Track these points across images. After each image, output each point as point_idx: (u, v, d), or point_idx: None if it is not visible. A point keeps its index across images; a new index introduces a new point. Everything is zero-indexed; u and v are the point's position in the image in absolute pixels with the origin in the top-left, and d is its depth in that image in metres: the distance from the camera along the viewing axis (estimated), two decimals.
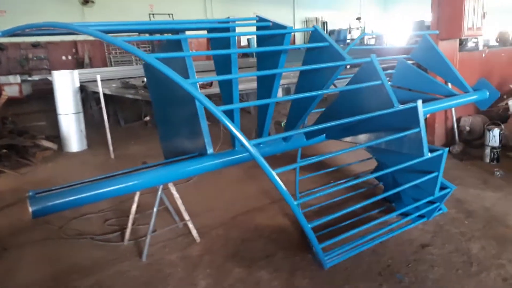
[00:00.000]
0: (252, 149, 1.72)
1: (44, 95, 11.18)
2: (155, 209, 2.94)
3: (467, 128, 5.43)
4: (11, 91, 13.25)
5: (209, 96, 6.95)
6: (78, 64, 15.74)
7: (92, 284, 2.70)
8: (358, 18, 23.14)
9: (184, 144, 2.51)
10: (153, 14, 17.90)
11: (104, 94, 6.07)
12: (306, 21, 24.48)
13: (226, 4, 19.65)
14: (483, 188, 4.00)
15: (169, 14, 18.25)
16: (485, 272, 2.62)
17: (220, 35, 2.32)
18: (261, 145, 2.54)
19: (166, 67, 1.59)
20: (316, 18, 24.31)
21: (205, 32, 2.43)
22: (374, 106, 2.25)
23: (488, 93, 3.88)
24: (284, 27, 2.22)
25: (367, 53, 9.69)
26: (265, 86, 2.37)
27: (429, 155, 2.25)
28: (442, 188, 2.66)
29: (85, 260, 3.01)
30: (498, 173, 4.34)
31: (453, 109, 5.36)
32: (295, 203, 1.88)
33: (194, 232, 3.19)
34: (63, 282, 2.74)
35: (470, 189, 4.00)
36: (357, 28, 23.27)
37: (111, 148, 5.96)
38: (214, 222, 3.52)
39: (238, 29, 2.51)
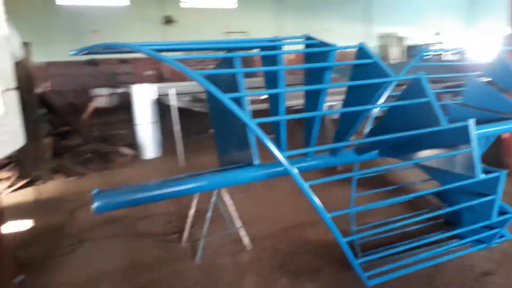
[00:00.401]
0: (284, 160, 1.81)
1: (128, 106, 12.19)
2: (208, 215, 3.13)
3: None
4: (101, 102, 14.68)
5: (267, 110, 7.11)
6: (159, 78, 16.92)
7: (150, 279, 2.94)
8: (437, 33, 22.12)
9: (235, 155, 2.67)
10: (227, 32, 18.68)
11: (179, 107, 6.52)
12: (382, 36, 23.97)
13: (298, 20, 19.93)
14: None
15: (243, 32, 18.92)
16: None
17: (266, 53, 2.46)
18: (308, 159, 2.61)
19: (207, 82, 1.74)
20: (392, 33, 23.70)
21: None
22: (422, 124, 2.21)
23: None
24: (328, 45, 2.29)
25: (440, 69, 9.22)
26: (312, 101, 2.45)
27: (483, 176, 2.15)
28: (503, 213, 2.51)
29: (147, 257, 3.28)
30: None
31: None
32: (328, 215, 1.92)
33: (245, 240, 3.32)
34: (129, 276, 3.01)
35: None
36: (437, 43, 22.26)
37: (181, 157, 6.36)
38: (265, 232, 3.61)
39: (292, 47, 2.64)
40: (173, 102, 6.35)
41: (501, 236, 2.69)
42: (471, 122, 2.16)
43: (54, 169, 5.81)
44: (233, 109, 1.76)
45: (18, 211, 4.41)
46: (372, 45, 23.29)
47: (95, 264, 3.21)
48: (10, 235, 3.74)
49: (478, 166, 2.15)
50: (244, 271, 3.00)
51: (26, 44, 4.26)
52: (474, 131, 2.16)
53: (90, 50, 2.13)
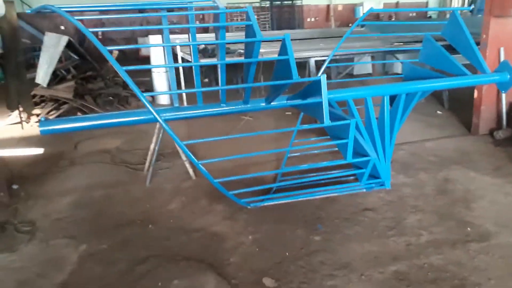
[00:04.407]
0: (151, 108, 2.41)
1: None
2: (154, 147, 3.86)
3: None
4: (145, 50, 15.67)
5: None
6: (204, 30, 17.46)
7: (104, 194, 3.76)
8: None
9: None
10: None
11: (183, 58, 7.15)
12: None
13: None
14: (486, 173, 3.89)
15: None
16: (396, 236, 2.87)
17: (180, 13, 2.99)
18: (222, 105, 3.18)
19: (91, 35, 2.35)
20: None
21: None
22: (289, 77, 2.66)
23: (508, 76, 3.72)
24: (218, 7, 2.78)
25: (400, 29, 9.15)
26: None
27: (330, 123, 2.60)
28: (364, 156, 2.92)
29: (112, 179, 4.12)
30: None
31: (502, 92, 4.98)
32: (183, 143, 2.53)
33: (190, 171, 4.02)
34: (91, 190, 3.86)
35: (472, 172, 3.94)
36: None
37: (185, 103, 7.10)
38: (217, 167, 4.24)
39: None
40: (179, 53, 6.99)
41: (374, 177, 3.12)
42: (322, 78, 2.58)
43: (77, 108, 6.83)
44: (108, 58, 2.38)
45: (36, 140, 5.45)
46: None
47: (73, 180, 4.11)
48: (21, 157, 4.77)
49: (327, 114, 2.60)
50: (178, 193, 3.72)
51: (8, 2, 5.07)
52: (325, 85, 2.59)
53: (36, 11, 2.82)
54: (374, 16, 19.33)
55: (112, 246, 2.89)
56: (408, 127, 5.37)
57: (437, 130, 5.36)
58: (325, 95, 2.57)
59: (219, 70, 3.25)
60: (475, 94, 5.12)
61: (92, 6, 2.85)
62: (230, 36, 11.42)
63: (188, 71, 9.27)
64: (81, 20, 13.27)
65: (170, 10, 3.44)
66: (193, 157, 2.62)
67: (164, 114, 2.80)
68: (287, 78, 2.73)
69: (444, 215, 3.14)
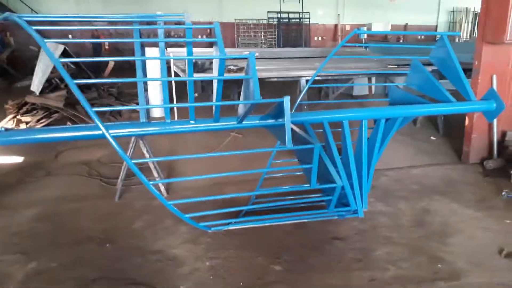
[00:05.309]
0: (99, 123, 2.32)
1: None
2: (124, 163, 3.76)
3: None
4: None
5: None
6: (210, 44, 17.62)
7: (71, 208, 3.66)
8: None
9: None
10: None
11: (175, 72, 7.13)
12: (454, 11, 22.44)
13: None
14: (469, 206, 3.72)
15: None
16: (362, 270, 2.71)
17: (143, 27, 2.92)
18: (190, 121, 3.09)
19: (46, 47, 2.28)
20: (466, 8, 22.07)
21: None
22: (252, 97, 2.56)
23: (494, 104, 3.59)
24: (184, 23, 2.71)
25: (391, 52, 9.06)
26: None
27: (292, 146, 2.48)
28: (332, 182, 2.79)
29: (83, 192, 4.02)
30: (505, 194, 3.92)
31: (494, 121, 4.82)
32: (132, 162, 2.43)
33: (162, 188, 3.91)
34: (61, 203, 3.77)
35: (454, 203, 3.77)
36: None
37: (176, 116, 7.05)
38: (191, 185, 4.15)
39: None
40: (172, 66, 6.98)
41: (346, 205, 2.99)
42: (286, 99, 2.47)
43: (68, 117, 6.80)
44: (61, 72, 2.30)
45: (20, 149, 5.38)
46: (442, 20, 21.94)
47: (43, 192, 4.02)
48: None
49: (289, 136, 2.48)
50: (146, 211, 3.60)
51: None
52: (288, 107, 2.48)
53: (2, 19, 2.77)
54: (382, 37, 19.39)
55: (63, 265, 2.77)
56: (397, 152, 5.24)
57: (427, 156, 5.20)
58: (288, 117, 2.46)
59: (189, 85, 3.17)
60: (466, 122, 4.98)
61: (59, 16, 2.80)
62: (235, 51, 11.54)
63: (181, 85, 9.28)
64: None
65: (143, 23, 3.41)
66: (144, 178, 2.52)
67: (115, 131, 2.69)
68: (253, 98, 2.64)
69: (416, 249, 2.98)
